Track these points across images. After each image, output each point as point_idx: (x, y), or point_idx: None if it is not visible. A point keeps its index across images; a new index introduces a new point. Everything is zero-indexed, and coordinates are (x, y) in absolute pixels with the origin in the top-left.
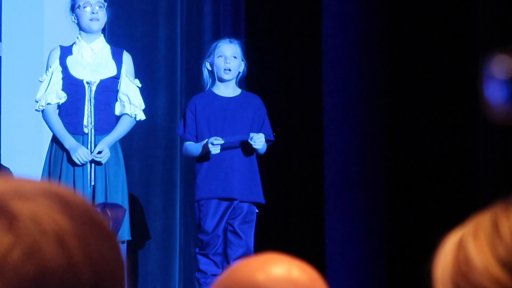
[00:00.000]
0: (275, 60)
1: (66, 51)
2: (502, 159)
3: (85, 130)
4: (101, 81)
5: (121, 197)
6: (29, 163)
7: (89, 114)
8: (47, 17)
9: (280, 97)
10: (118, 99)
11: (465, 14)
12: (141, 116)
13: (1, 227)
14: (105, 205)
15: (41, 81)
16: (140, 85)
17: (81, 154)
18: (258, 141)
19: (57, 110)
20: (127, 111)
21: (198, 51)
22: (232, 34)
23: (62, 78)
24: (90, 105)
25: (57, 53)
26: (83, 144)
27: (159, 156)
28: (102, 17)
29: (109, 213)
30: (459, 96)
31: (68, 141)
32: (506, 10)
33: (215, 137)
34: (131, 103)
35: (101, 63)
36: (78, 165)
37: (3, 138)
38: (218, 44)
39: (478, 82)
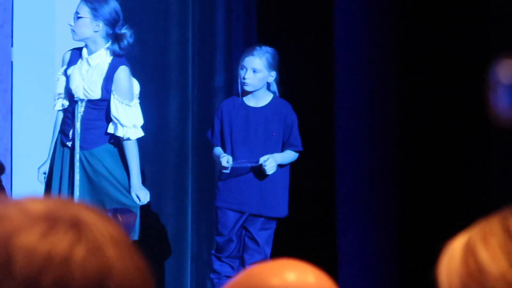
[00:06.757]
0: (287, 65)
1: (74, 58)
2: None
3: (68, 144)
4: (89, 101)
5: (129, 199)
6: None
7: (76, 130)
8: (59, 22)
9: (291, 103)
10: (111, 119)
11: (476, 20)
12: (134, 135)
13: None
14: (116, 210)
15: (57, 78)
16: (131, 105)
17: None
18: (270, 166)
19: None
20: (119, 133)
21: (210, 56)
22: (244, 39)
23: (65, 87)
24: (78, 122)
25: (66, 59)
26: (69, 158)
27: (171, 161)
28: (78, 28)
29: (120, 218)
30: (471, 102)
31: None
32: None
33: (227, 159)
34: (123, 125)
35: (92, 82)
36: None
37: (15, 142)
38: (243, 55)
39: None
